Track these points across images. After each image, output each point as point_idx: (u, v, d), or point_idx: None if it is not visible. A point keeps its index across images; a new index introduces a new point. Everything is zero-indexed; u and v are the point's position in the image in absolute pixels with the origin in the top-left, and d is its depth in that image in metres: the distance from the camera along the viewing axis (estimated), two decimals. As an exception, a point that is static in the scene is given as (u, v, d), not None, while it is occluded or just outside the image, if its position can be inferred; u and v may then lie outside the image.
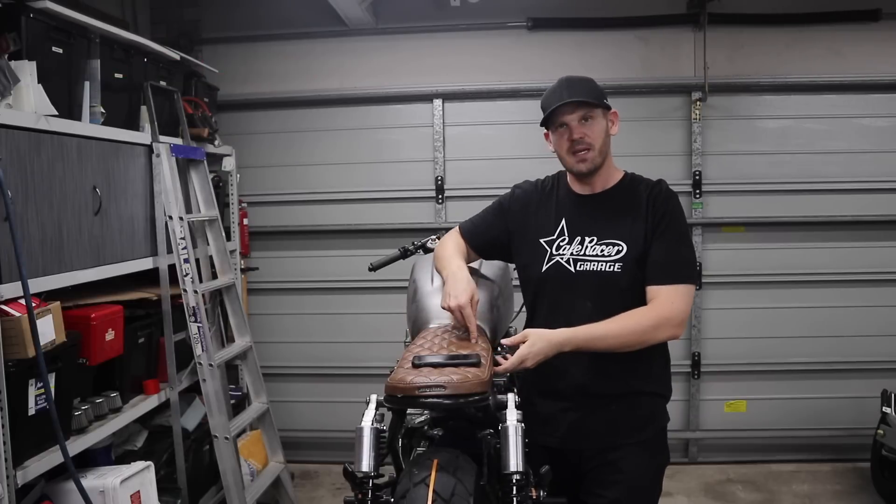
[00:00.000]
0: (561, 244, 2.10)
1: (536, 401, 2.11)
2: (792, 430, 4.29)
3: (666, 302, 1.97)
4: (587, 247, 2.06)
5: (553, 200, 2.16)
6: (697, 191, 4.23)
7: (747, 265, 4.28)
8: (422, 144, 4.38)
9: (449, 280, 2.06)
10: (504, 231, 2.22)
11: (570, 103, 2.00)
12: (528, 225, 2.17)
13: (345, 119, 4.40)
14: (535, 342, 1.88)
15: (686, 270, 2.03)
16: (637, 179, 2.14)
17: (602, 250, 2.05)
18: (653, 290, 2.00)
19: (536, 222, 2.15)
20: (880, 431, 3.67)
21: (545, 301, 2.12)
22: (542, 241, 2.12)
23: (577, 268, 2.06)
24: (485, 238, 2.26)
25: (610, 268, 2.03)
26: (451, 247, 2.23)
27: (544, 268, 2.10)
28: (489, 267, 2.37)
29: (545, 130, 2.13)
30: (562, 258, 2.08)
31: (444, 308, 2.01)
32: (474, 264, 2.34)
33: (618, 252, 2.03)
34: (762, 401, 4.31)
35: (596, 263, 2.04)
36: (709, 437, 4.37)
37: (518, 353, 1.87)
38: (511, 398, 1.80)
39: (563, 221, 2.11)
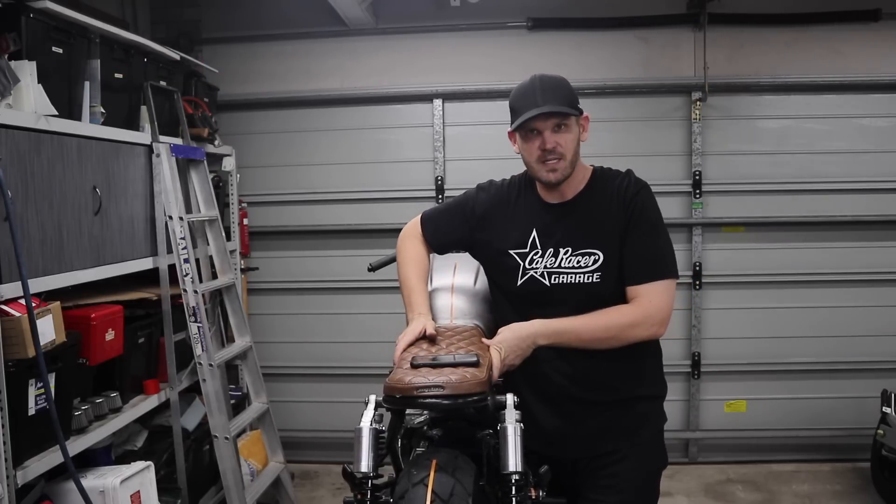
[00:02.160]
0: (534, 257, 2.01)
1: (529, 409, 2.05)
2: (792, 430, 4.29)
3: (645, 300, 1.92)
4: (562, 259, 1.98)
5: (521, 208, 2.07)
6: (697, 191, 4.23)
7: (747, 265, 4.28)
8: (422, 144, 4.38)
9: (413, 323, 1.98)
10: (467, 235, 2.13)
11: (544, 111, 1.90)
12: (495, 234, 2.07)
13: (345, 119, 4.39)
14: (506, 337, 1.88)
15: (663, 265, 1.96)
16: (606, 175, 2.05)
17: (578, 261, 1.96)
18: (632, 290, 1.94)
19: (505, 232, 2.06)
20: (880, 431, 3.67)
21: (522, 316, 1.99)
22: (513, 252, 2.03)
23: (552, 281, 1.99)
24: (446, 239, 2.19)
25: (588, 279, 1.96)
26: (413, 267, 2.13)
27: (519, 282, 2.02)
28: None
29: (509, 130, 2.01)
30: (535, 272, 2.01)
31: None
32: (470, 259, 2.31)
33: (595, 261, 1.95)
34: (762, 401, 4.31)
35: (573, 276, 1.97)
36: (709, 437, 4.37)
37: (493, 355, 1.85)
38: (510, 398, 1.79)
39: (535, 232, 2.02)
